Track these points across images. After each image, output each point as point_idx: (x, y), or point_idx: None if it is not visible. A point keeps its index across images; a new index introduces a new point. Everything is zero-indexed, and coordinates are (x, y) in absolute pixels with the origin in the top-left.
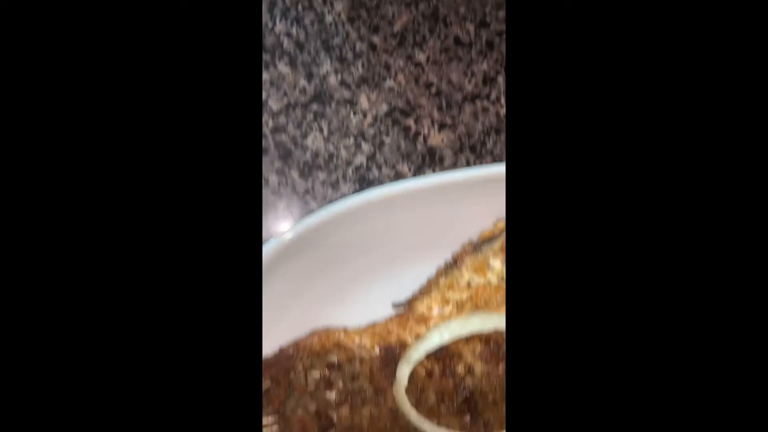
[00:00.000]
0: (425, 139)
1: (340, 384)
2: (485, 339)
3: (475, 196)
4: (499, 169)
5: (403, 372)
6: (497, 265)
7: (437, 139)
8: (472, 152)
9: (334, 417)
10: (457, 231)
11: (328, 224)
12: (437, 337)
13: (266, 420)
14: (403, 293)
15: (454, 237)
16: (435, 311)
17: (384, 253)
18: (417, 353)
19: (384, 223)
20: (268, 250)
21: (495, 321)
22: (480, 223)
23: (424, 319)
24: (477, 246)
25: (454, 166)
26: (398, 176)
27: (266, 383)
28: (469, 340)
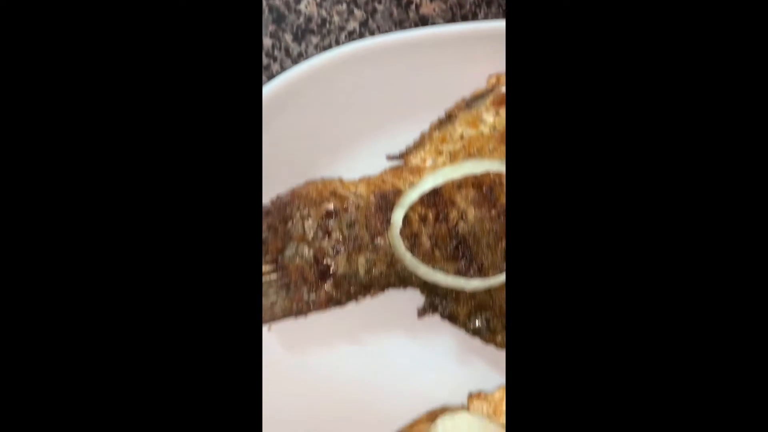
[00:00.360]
0: (417, 8)
1: (337, 231)
2: (478, 185)
3: (469, 55)
4: (494, 25)
5: (398, 215)
6: (490, 118)
7: (429, 8)
8: (464, 21)
9: (332, 264)
10: (450, 90)
11: (322, 74)
12: (431, 181)
13: (265, 268)
14: (398, 148)
15: (448, 96)
16: (429, 162)
17: (379, 111)
18: (411, 197)
19: (378, 78)
20: (266, 93)
21: (487, 164)
22: (474, 82)
23: (418, 170)
24: (470, 102)
25: None
26: None
27: (264, 232)
28: (461, 186)
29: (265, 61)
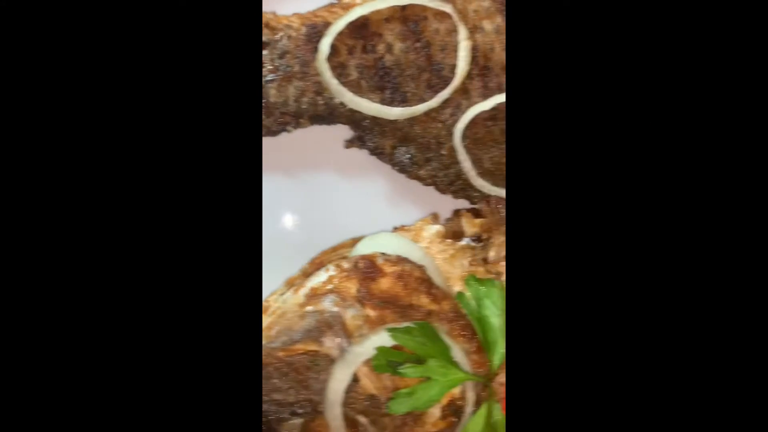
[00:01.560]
0: None
1: (269, 62)
2: (404, 19)
3: None
4: None
5: (325, 43)
6: None
7: None
8: None
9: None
10: None
11: None
12: (358, 10)
13: None
14: None
15: None
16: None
17: None
18: (338, 26)
19: None
20: None
21: None
22: None
23: (349, 6)
24: None
25: None
26: None
27: None
28: (389, 20)
29: None
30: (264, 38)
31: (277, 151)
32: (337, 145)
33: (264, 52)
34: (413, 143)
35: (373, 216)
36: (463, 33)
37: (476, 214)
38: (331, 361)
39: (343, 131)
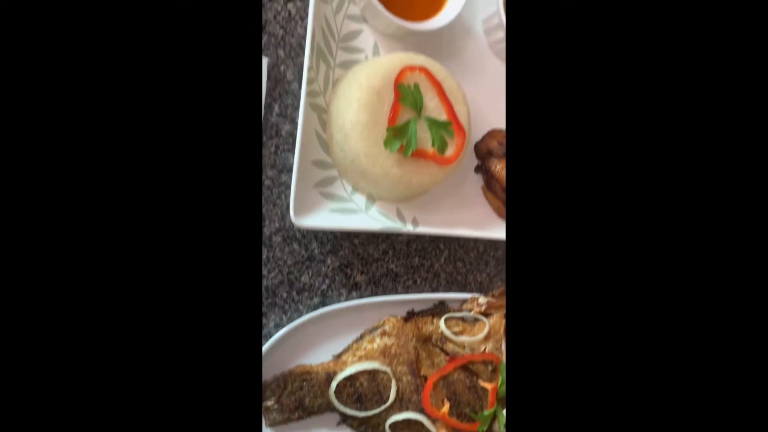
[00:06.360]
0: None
1: (304, 390)
2: (372, 374)
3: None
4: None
5: (333, 384)
6: (377, 341)
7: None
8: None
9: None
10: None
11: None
12: (348, 370)
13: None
14: (338, 350)
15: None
16: (350, 360)
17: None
18: (340, 376)
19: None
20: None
21: (376, 364)
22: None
23: (344, 363)
24: (372, 330)
25: None
26: None
27: (267, 386)
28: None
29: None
30: (303, 379)
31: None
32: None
33: (304, 384)
34: None
35: None
36: None
37: None
38: None
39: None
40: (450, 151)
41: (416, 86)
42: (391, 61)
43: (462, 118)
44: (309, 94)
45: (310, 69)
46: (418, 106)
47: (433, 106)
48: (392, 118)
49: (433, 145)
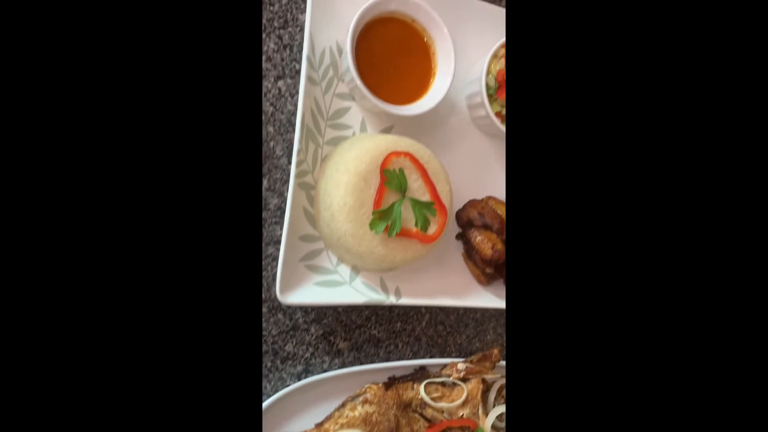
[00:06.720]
0: None
1: None
2: None
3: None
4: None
5: None
6: (359, 409)
7: None
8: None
9: None
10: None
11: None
12: None
13: None
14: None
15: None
16: (331, 428)
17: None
18: None
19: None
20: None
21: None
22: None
23: (326, 430)
24: (353, 398)
25: None
26: None
27: None
28: None
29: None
30: None
31: None
32: None
33: None
34: None
35: None
36: None
37: None
38: None
39: None
40: (432, 229)
41: (401, 170)
42: (378, 146)
43: (444, 198)
44: (298, 174)
45: (299, 152)
46: (402, 189)
47: (417, 187)
48: (378, 201)
49: (416, 225)
